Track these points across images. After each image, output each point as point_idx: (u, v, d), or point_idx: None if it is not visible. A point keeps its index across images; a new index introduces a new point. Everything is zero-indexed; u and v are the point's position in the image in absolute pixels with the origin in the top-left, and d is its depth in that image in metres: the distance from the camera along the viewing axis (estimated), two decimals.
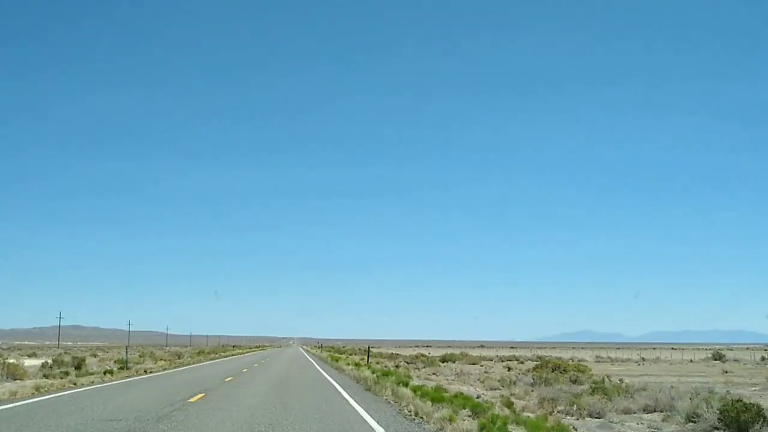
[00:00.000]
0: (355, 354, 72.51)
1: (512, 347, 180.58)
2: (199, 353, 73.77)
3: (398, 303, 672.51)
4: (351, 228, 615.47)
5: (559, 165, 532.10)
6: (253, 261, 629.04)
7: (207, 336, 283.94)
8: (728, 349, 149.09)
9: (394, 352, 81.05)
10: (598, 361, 65.04)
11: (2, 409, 15.63)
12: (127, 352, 42.07)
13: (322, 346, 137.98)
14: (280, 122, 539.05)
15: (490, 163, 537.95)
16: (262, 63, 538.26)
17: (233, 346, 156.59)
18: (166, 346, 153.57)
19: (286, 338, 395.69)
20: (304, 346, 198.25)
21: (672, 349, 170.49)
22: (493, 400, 18.28)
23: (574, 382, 25.84)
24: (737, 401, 13.47)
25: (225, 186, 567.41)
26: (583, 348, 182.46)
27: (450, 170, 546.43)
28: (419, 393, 17.39)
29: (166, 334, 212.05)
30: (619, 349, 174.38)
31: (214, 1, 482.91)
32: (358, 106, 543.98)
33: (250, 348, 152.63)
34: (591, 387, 21.76)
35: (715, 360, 66.20)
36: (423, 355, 68.75)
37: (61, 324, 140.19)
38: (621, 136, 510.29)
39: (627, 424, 15.47)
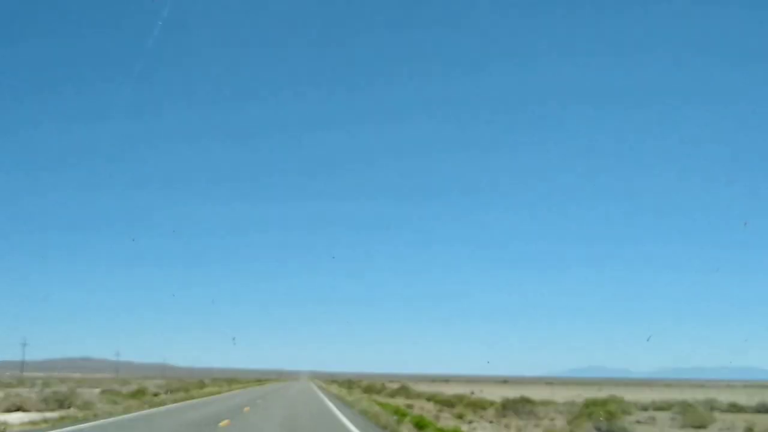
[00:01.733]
0: (390, 395, 60.67)
1: (532, 383, 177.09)
2: (136, 393, 46.48)
3: (407, 336, 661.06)
4: (359, 260, 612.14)
5: (567, 195, 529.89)
6: (258, 291, 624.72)
7: (210, 368, 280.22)
8: (728, 386, 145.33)
9: (421, 390, 72.58)
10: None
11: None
12: None
13: (335, 381, 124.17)
14: (297, 150, 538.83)
15: (498, 196, 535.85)
16: (256, 88, 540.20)
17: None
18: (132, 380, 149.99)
19: (294, 371, 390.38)
20: (314, 380, 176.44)
21: (689, 386, 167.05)
22: None
23: None
24: None
25: (220, 215, 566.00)
26: (598, 384, 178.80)
27: (460, 203, 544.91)
28: None
29: (163, 365, 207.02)
30: (630, 385, 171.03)
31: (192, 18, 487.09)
32: (367, 132, 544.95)
33: (240, 384, 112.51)
34: None
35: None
36: (470, 399, 51.01)
37: (66, 356, 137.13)
38: (629, 166, 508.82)
39: None
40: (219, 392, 66.47)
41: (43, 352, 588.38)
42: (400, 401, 45.11)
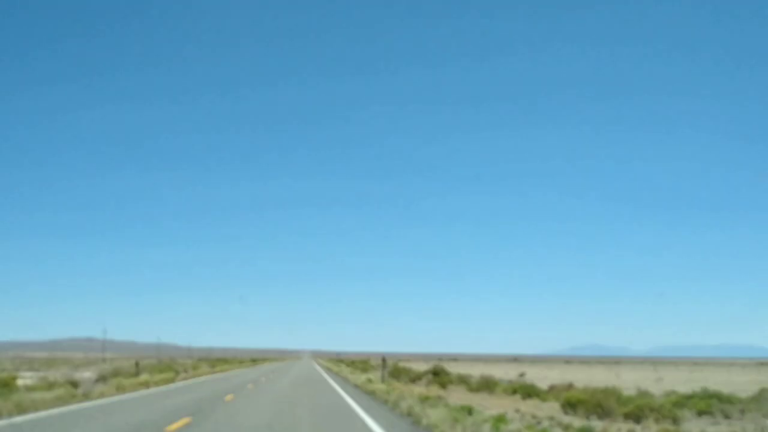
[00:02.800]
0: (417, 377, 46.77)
1: (534, 361, 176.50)
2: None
3: (407, 315, 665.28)
4: (361, 238, 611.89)
5: (565, 177, 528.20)
6: (261, 271, 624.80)
7: (209, 348, 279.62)
8: (728, 364, 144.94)
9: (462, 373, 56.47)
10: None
11: None
12: None
13: (341, 361, 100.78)
14: (295, 131, 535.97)
15: (497, 175, 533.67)
16: (264, 73, 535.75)
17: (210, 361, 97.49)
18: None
19: (296, 350, 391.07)
20: (318, 360, 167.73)
21: (694, 364, 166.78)
22: None
23: None
24: None
25: (229, 194, 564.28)
26: (602, 363, 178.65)
27: (459, 182, 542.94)
28: None
29: (189, 348, 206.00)
30: (632, 363, 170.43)
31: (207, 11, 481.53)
32: (368, 116, 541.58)
33: (238, 363, 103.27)
34: None
35: None
36: (489, 380, 40.96)
37: (71, 336, 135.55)
38: (629, 148, 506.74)
39: None
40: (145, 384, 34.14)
41: (44, 333, 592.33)
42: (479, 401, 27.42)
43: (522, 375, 62.14)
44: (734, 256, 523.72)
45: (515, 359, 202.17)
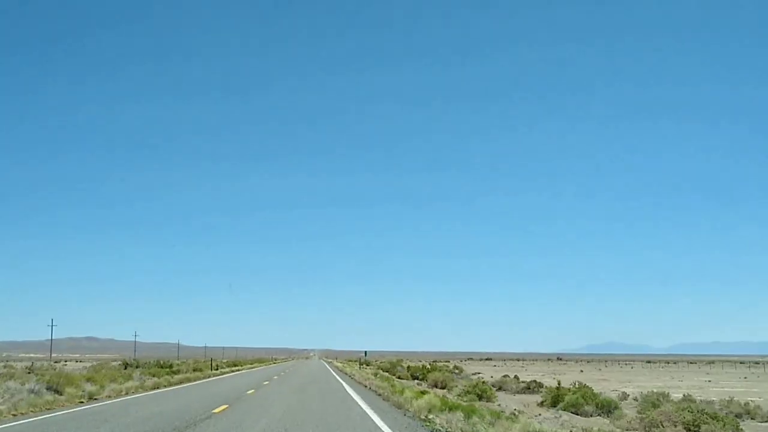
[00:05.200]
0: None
1: (550, 359, 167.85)
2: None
3: (420, 314, 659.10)
4: (371, 238, 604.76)
5: (584, 176, 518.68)
6: (272, 271, 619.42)
7: (223, 348, 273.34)
8: (740, 363, 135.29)
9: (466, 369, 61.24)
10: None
11: None
12: None
13: (363, 363, 71.25)
14: (307, 130, 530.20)
15: (514, 174, 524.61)
16: (275, 71, 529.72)
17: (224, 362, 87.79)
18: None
19: (305, 350, 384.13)
20: (329, 360, 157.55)
21: (712, 362, 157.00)
22: None
23: None
24: None
25: (239, 193, 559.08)
26: (627, 361, 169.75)
27: (474, 181, 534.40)
28: None
29: (178, 346, 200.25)
30: (649, 362, 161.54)
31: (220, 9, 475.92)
32: (375, 115, 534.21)
33: (247, 365, 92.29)
34: None
35: None
36: (538, 384, 36.65)
37: (62, 336, 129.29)
38: (648, 145, 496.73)
39: None
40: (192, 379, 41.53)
41: (43, 332, 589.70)
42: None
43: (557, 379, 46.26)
44: (755, 252, 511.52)
45: (557, 357, 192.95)
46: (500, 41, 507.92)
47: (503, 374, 57.54)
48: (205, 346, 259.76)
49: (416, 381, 42.39)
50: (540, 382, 36.56)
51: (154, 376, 36.99)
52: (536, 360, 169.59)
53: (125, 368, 46.88)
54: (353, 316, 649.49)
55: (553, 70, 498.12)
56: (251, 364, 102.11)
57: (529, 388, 34.94)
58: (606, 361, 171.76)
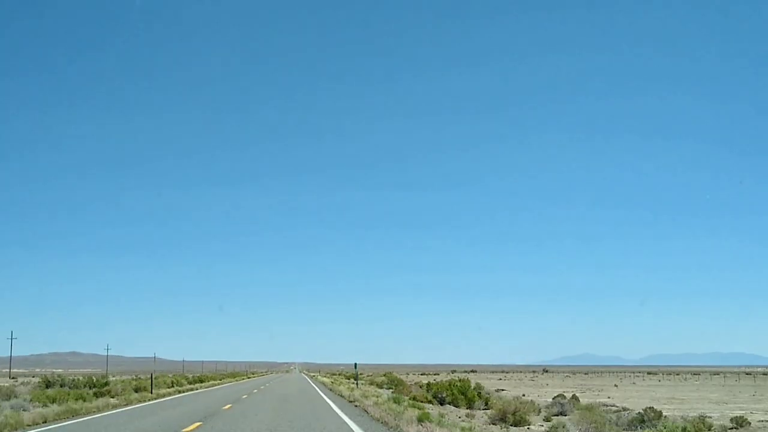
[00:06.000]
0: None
1: (535, 371, 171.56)
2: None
3: (401, 328, 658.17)
4: (350, 253, 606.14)
5: (558, 190, 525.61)
6: (254, 285, 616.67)
7: (202, 362, 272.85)
8: (714, 374, 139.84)
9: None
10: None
11: None
12: None
13: (357, 377, 55.07)
14: (285, 147, 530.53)
15: (490, 189, 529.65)
16: (269, 84, 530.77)
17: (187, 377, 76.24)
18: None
19: (286, 363, 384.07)
20: (312, 374, 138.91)
21: (692, 374, 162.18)
22: None
23: None
24: None
25: (222, 209, 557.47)
26: (600, 373, 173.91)
27: (452, 196, 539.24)
28: None
29: (154, 359, 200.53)
30: (623, 373, 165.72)
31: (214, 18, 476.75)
32: (366, 129, 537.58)
33: (215, 380, 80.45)
34: None
35: None
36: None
37: (46, 351, 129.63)
38: (622, 157, 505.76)
39: None
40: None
41: (27, 348, 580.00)
42: None
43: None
44: (724, 265, 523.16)
45: (543, 369, 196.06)
46: (489, 54, 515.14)
47: (517, 389, 52.44)
48: (183, 360, 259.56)
49: (443, 405, 31.61)
50: (658, 410, 24.97)
51: (54, 402, 25.94)
52: (521, 371, 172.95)
53: (47, 387, 37.03)
54: (335, 329, 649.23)
55: (515, 82, 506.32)
56: (220, 380, 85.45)
57: (644, 421, 22.79)
58: (601, 373, 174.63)
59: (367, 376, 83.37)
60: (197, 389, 53.59)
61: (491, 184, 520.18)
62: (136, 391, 37.17)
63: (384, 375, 75.42)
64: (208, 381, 73.55)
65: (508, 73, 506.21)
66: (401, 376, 76.01)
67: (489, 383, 70.72)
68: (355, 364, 54.41)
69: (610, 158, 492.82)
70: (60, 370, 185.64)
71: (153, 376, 45.36)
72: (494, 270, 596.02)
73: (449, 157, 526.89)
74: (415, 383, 52.15)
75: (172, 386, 51.28)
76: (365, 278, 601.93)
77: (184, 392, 46.72)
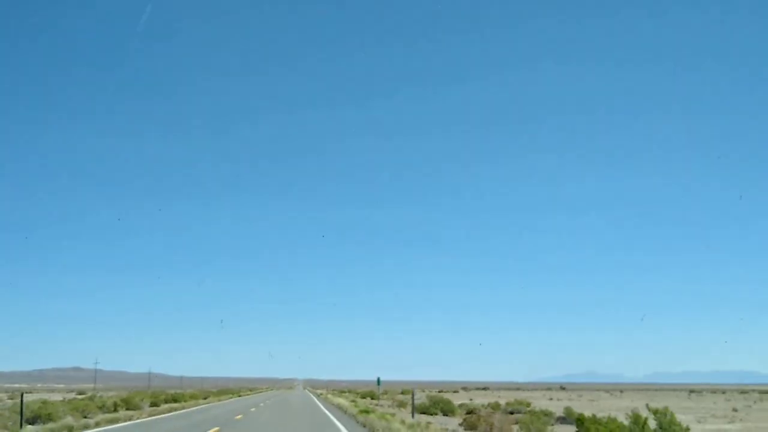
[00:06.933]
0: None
1: (551, 389, 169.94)
2: None
3: (400, 343, 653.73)
4: (352, 267, 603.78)
5: (556, 209, 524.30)
6: (256, 302, 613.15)
7: (202, 378, 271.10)
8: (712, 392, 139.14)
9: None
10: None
11: None
12: None
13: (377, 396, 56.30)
14: (288, 162, 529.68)
15: (488, 207, 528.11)
16: (264, 103, 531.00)
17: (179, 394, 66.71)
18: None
19: (289, 379, 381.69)
20: (319, 391, 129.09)
21: (692, 391, 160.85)
22: None
23: None
24: None
25: (221, 222, 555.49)
26: (606, 390, 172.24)
27: (450, 213, 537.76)
28: None
29: (149, 376, 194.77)
30: (623, 391, 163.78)
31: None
32: (363, 146, 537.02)
33: (200, 399, 66.20)
34: None
35: None
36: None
37: (48, 366, 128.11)
38: (619, 172, 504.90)
39: None
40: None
41: (25, 364, 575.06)
42: None
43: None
44: (727, 282, 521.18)
45: (560, 387, 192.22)
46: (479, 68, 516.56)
47: (588, 409, 45.65)
48: (182, 377, 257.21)
49: None
50: None
51: None
52: (536, 389, 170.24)
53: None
54: (338, 346, 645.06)
55: (515, 96, 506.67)
56: (205, 398, 70.32)
57: None
58: (620, 390, 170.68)
59: (383, 394, 72.60)
60: (159, 416, 36.79)
61: (492, 201, 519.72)
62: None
63: (403, 392, 69.16)
64: (197, 399, 62.89)
65: (492, 88, 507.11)
66: (455, 397, 67.66)
67: (543, 403, 62.23)
68: (378, 379, 53.43)
69: (608, 174, 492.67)
70: (62, 386, 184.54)
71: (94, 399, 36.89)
72: (497, 288, 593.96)
73: (450, 170, 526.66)
74: (474, 410, 40.18)
75: (136, 408, 40.61)
76: (369, 294, 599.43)
77: (149, 418, 34.54)
